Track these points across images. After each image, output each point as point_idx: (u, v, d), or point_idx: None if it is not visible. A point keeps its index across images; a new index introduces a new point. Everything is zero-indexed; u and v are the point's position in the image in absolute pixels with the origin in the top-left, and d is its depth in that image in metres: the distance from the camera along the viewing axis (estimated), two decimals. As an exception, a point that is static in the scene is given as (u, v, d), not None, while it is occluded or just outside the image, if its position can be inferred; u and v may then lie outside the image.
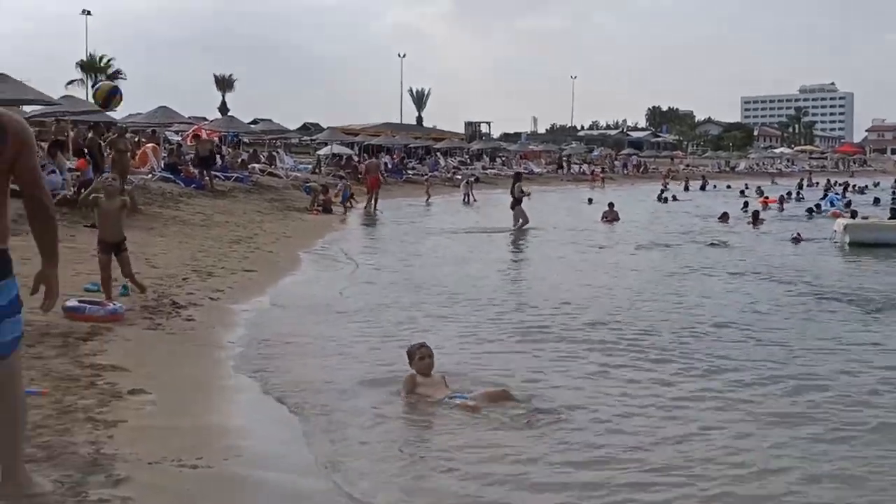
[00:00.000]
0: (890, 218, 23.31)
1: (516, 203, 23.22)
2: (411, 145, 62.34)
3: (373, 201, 28.93)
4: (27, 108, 31.06)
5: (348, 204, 28.01)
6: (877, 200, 35.27)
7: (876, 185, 53.40)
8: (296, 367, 7.65)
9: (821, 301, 11.96)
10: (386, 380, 7.11)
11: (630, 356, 8.33)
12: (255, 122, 50.10)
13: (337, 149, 49.79)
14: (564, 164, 67.37)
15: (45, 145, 22.55)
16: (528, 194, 23.82)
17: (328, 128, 60.80)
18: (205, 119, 45.60)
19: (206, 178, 25.26)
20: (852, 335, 9.58)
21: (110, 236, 9.24)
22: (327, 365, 7.76)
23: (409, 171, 47.60)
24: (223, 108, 76.43)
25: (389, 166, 47.80)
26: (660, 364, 8.00)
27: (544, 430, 6.00)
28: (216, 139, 38.81)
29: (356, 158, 48.24)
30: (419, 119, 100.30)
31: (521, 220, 22.99)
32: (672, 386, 7.26)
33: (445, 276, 14.19)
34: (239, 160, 34.19)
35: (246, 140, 47.09)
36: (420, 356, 6.85)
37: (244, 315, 9.90)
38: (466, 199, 35.91)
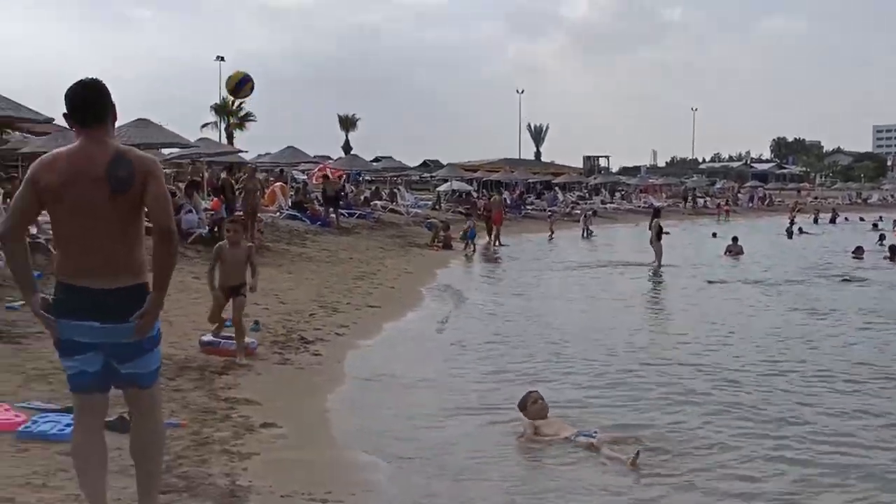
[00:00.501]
0: None
1: (656, 239, 22.63)
2: (530, 180, 62.43)
3: (495, 237, 29.04)
4: (165, 151, 32.87)
5: (472, 242, 27.89)
6: None
7: None
8: (419, 404, 7.74)
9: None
10: (510, 420, 7.11)
11: (760, 402, 8.03)
12: (376, 159, 51.45)
13: (456, 185, 50.36)
14: (690, 198, 65.77)
15: (182, 186, 23.81)
16: (668, 233, 23.20)
17: (448, 164, 61.66)
18: (329, 158, 47.13)
19: (333, 215, 26.05)
20: None
21: (232, 280, 8.82)
22: (449, 404, 7.80)
23: (528, 207, 47.62)
24: (346, 147, 78.78)
25: (508, 202, 47.98)
26: (791, 415, 7.68)
27: (671, 474, 5.86)
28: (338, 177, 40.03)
29: (475, 194, 48.67)
30: (538, 154, 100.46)
31: (659, 257, 22.36)
32: (806, 438, 6.95)
33: (572, 313, 14.08)
34: (361, 198, 35.09)
35: (368, 178, 48.31)
36: (532, 401, 6.90)
37: (369, 350, 10.11)
38: (585, 234, 35.59)
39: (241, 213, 20.74)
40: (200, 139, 30.09)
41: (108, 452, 5.28)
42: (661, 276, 20.71)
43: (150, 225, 3.95)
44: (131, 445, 4.12)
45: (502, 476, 5.87)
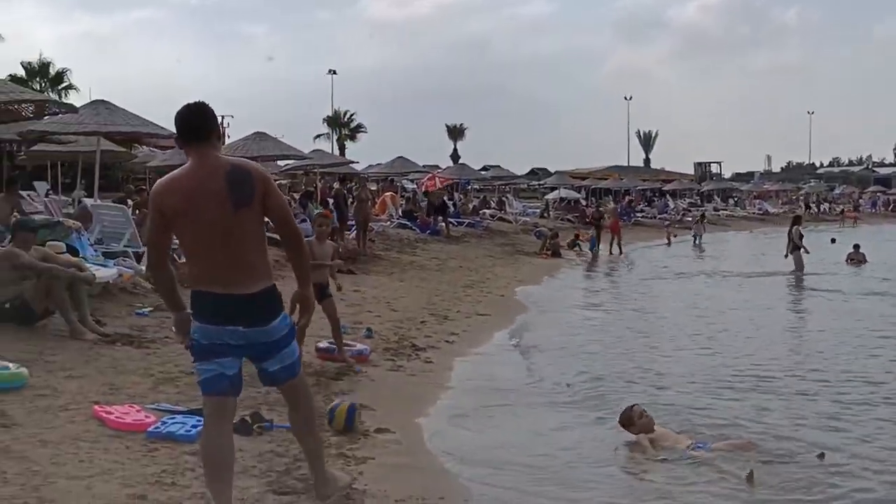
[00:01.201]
0: None
1: (795, 248, 21.88)
2: (639, 187, 61.40)
3: (615, 245, 28.83)
4: (281, 163, 33.94)
5: (594, 251, 27.63)
6: None
7: None
8: (528, 414, 7.72)
9: None
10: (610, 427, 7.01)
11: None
12: (484, 168, 51.61)
13: (564, 193, 50.02)
14: (812, 206, 63.19)
15: (296, 196, 24.53)
16: (802, 236, 22.49)
17: (556, 172, 61.34)
18: (438, 167, 47.57)
19: (443, 224, 26.32)
20: None
21: (317, 277, 8.19)
22: (560, 417, 7.76)
23: (639, 214, 46.86)
24: (455, 156, 79.44)
25: (619, 210, 47.30)
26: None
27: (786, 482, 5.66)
28: (447, 186, 40.38)
29: (584, 202, 48.21)
30: (647, 161, 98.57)
31: (799, 267, 21.59)
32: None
33: (691, 321, 13.80)
34: (470, 206, 35.30)
35: (476, 186, 48.54)
36: (638, 415, 6.65)
37: (479, 359, 10.16)
38: (696, 241, 34.74)
39: (353, 222, 21.31)
40: (314, 151, 30.97)
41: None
42: (802, 285, 20.02)
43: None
44: (293, 425, 4.63)
45: (609, 486, 5.79)
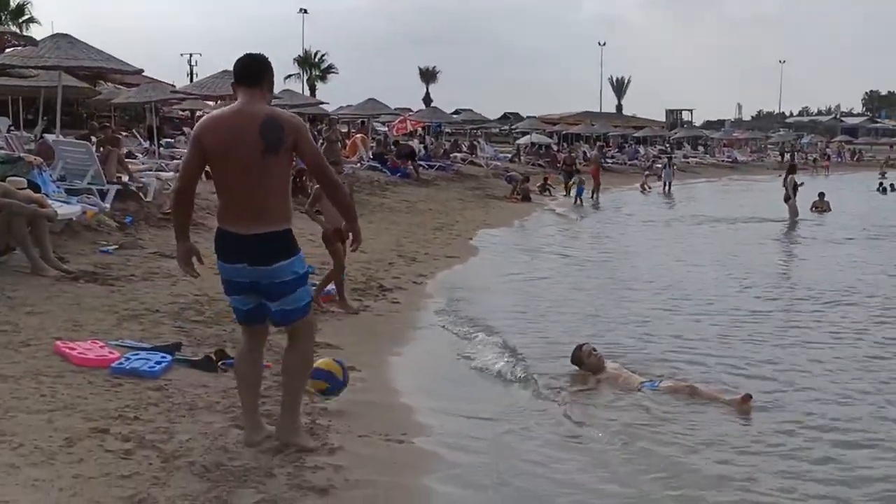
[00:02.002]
0: None
1: (789, 197, 22.22)
2: (611, 133, 61.43)
3: (593, 192, 28.99)
4: (250, 102, 33.25)
5: (580, 198, 27.62)
6: None
7: None
8: (493, 350, 7.77)
9: None
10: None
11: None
12: (456, 112, 51.25)
13: (536, 138, 49.93)
14: (786, 155, 63.18)
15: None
16: (802, 184, 22.89)
17: (528, 117, 61.10)
18: (409, 110, 47.14)
19: (412, 168, 26.22)
20: None
21: (339, 221, 8.26)
22: (521, 346, 7.83)
23: (609, 160, 46.91)
24: (427, 100, 78.69)
25: (588, 155, 47.33)
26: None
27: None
28: (419, 129, 40.10)
29: (555, 147, 48.18)
30: (619, 107, 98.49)
31: (794, 215, 22.05)
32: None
33: (654, 268, 13.92)
34: (441, 150, 35.12)
35: (448, 130, 48.23)
36: (587, 354, 6.77)
37: (445, 299, 10.21)
38: (666, 188, 34.84)
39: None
40: (283, 91, 30.45)
41: (196, 390, 5.58)
42: (797, 230, 20.44)
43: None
44: (284, 364, 4.70)
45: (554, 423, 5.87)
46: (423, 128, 42.26)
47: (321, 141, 22.07)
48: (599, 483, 4.82)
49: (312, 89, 63.57)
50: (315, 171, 4.56)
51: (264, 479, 4.28)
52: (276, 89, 27.42)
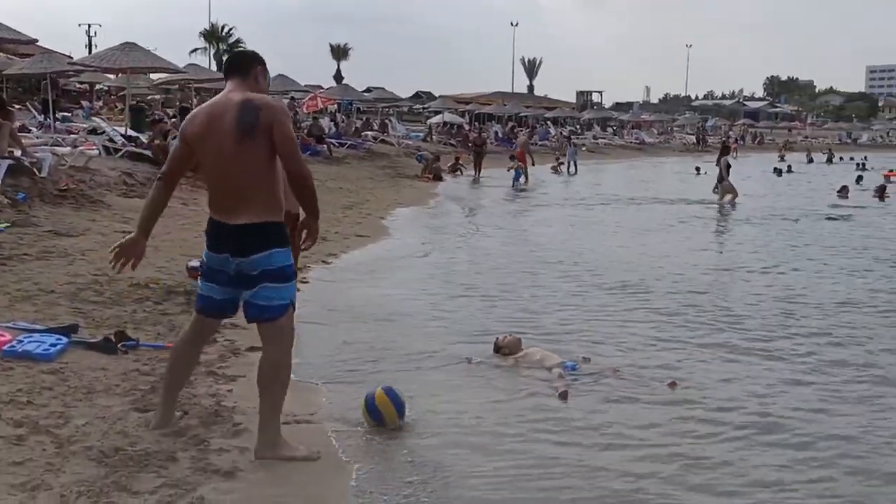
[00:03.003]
0: None
1: (723, 178, 22.70)
2: (522, 114, 62.00)
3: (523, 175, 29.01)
4: (154, 76, 32.37)
5: (517, 183, 27.48)
6: None
7: None
8: (402, 332, 7.76)
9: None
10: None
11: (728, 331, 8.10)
12: (368, 90, 50.79)
13: (448, 117, 49.98)
14: (702, 137, 64.67)
15: (171, 112, 23.53)
16: (730, 166, 23.30)
17: (440, 96, 61.15)
18: (320, 87, 46.49)
19: (325, 145, 25.95)
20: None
21: (295, 207, 8.56)
22: (429, 332, 7.84)
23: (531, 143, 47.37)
24: (338, 77, 77.79)
25: (500, 135, 47.73)
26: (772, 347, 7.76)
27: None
28: (330, 107, 39.60)
29: (467, 127, 48.34)
30: (531, 88, 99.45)
31: (731, 195, 22.42)
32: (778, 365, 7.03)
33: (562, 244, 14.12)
34: (353, 128, 34.81)
35: (359, 108, 47.80)
36: (502, 339, 6.86)
37: (354, 279, 10.14)
38: (571, 169, 35.36)
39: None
40: (189, 65, 29.63)
41: (94, 373, 5.39)
42: (731, 211, 20.88)
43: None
44: (258, 371, 4.42)
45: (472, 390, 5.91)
46: (337, 105, 41.76)
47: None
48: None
49: (220, 64, 62.01)
50: (285, 159, 4.26)
51: (166, 464, 4.17)
52: (181, 64, 26.48)
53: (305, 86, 40.11)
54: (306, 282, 9.43)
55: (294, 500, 4.06)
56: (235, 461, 4.30)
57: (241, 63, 4.46)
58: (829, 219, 19.38)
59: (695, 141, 62.99)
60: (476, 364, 6.59)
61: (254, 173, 4.20)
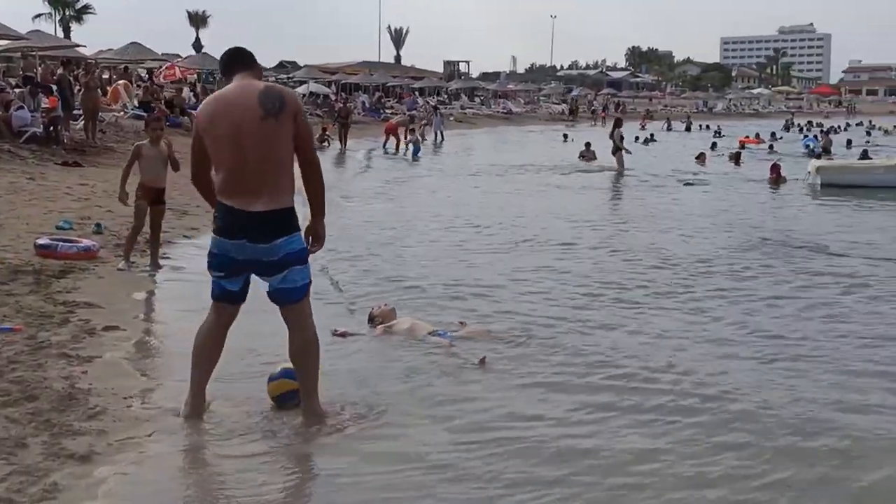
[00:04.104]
0: (860, 159, 23.48)
1: (616, 150, 23.13)
2: (389, 84, 61.67)
3: (395, 145, 29.26)
4: (-6, 44, 30.20)
5: (416, 158, 27.12)
6: (849, 142, 35.61)
7: (849, 126, 53.84)
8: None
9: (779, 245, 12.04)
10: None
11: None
12: (229, 59, 49.08)
13: (314, 87, 49.13)
14: (574, 108, 65.51)
15: (13, 81, 22.12)
16: (623, 138, 23.90)
17: (305, 66, 59.96)
18: (178, 56, 44.72)
19: (185, 116, 25.02)
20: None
21: (158, 182, 8.59)
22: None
23: (388, 111, 47.16)
24: (197, 46, 74.89)
25: (367, 105, 47.37)
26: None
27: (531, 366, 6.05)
28: (190, 77, 38.17)
29: (333, 97, 47.67)
30: (397, 58, 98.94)
31: (620, 167, 22.86)
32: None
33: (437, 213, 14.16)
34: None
35: (221, 78, 46.24)
36: (376, 311, 6.83)
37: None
38: (437, 139, 35.42)
39: (81, 111, 19.62)
40: (31, 31, 27.87)
41: None
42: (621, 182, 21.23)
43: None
44: (290, 350, 4.52)
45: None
46: (197, 75, 40.27)
47: (78, 87, 20.48)
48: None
49: (67, 31, 58.56)
50: (305, 147, 4.38)
51: (15, 450, 3.97)
52: (22, 30, 24.97)
53: (163, 54, 38.53)
54: (167, 257, 9.10)
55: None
56: (92, 444, 4.13)
57: (245, 56, 4.55)
58: (686, 184, 20.25)
59: (568, 111, 64.14)
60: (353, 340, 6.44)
61: (277, 157, 4.23)
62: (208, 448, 4.35)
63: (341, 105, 35.29)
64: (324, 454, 4.34)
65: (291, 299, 4.42)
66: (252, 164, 4.21)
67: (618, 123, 24.47)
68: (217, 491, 3.99)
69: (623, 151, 23.37)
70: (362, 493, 3.92)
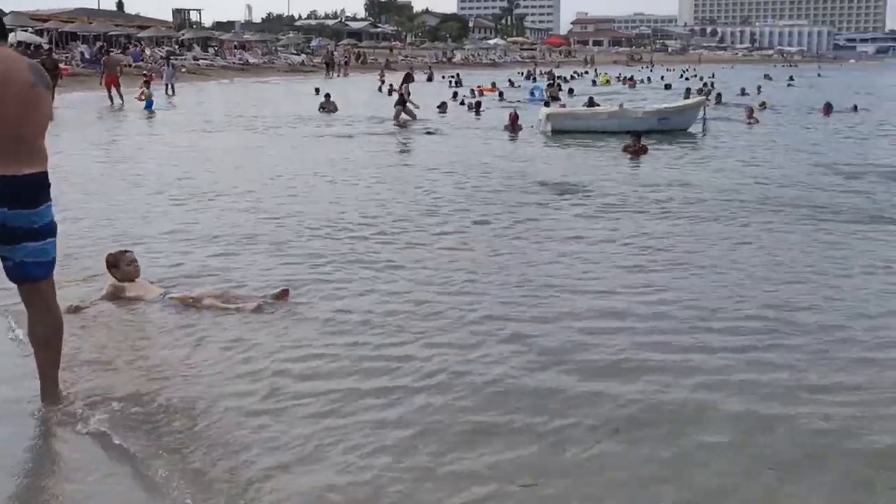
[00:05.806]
0: (586, 106, 24.93)
1: (401, 103, 23.53)
2: (111, 33, 57.14)
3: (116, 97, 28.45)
4: None
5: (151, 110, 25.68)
6: (571, 91, 37.62)
7: (580, 74, 57.48)
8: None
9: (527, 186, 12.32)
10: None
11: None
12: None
13: (23, 36, 44.35)
14: (330, 62, 63.45)
15: None
16: (410, 93, 24.22)
17: (11, 12, 53.74)
18: None
19: None
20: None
21: None
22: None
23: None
24: None
25: (87, 56, 43.58)
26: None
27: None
28: None
29: (47, 47, 43.25)
30: (120, 5, 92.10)
31: (411, 117, 23.35)
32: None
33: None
34: None
35: None
36: (127, 262, 6.34)
37: None
38: (169, 90, 33.57)
39: None
40: None
41: None
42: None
43: None
44: (31, 334, 4.25)
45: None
46: None
47: None
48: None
49: None
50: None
51: None
52: None
53: None
54: None
55: None
56: None
57: (3, 27, 4.25)
58: (427, 133, 20.50)
59: (324, 66, 61.92)
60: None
61: (40, 126, 4.02)
62: None
63: (45, 56, 31.73)
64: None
65: (40, 275, 4.09)
66: (19, 131, 3.93)
67: (407, 79, 24.95)
68: None
69: (411, 105, 23.98)
70: None
